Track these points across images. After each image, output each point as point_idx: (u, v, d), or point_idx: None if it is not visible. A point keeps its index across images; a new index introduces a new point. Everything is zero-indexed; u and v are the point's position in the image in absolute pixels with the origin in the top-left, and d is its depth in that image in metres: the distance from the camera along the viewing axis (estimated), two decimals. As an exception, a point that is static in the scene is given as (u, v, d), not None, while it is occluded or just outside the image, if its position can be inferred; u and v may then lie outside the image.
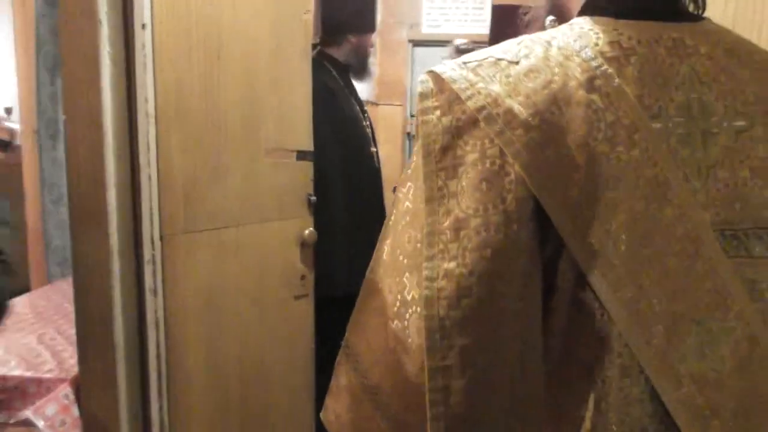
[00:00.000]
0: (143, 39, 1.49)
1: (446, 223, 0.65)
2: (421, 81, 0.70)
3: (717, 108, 0.68)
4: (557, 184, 0.63)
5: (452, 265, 0.63)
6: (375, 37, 2.54)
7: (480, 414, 0.65)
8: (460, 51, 3.74)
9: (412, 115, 6.91)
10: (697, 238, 0.64)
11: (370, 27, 2.45)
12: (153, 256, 1.54)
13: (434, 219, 0.66)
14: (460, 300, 0.63)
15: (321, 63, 2.32)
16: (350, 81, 2.45)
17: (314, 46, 2.52)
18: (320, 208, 1.97)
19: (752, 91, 0.70)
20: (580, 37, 0.70)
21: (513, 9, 2.34)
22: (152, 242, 1.53)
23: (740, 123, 0.68)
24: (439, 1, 6.80)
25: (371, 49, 2.48)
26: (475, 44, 4.21)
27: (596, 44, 0.68)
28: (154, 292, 1.55)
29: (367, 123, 2.51)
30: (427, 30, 6.80)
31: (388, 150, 5.43)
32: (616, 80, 0.65)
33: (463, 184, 0.65)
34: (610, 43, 0.68)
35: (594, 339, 0.66)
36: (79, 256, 1.60)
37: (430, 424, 0.64)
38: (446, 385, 0.63)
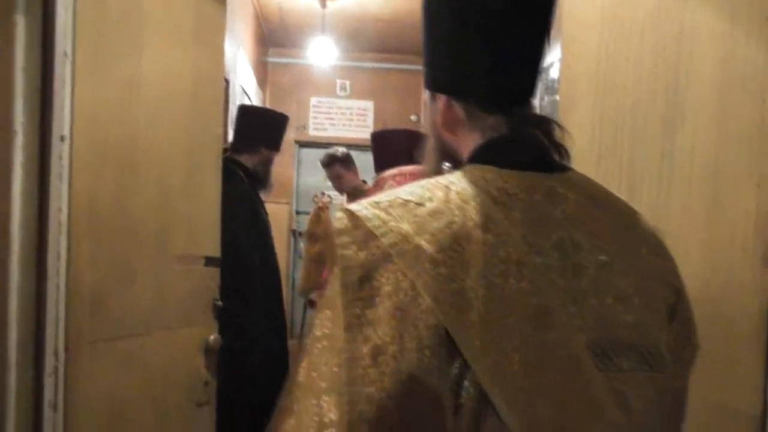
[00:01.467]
0: (60, 150, 1.52)
1: (365, 350, 0.71)
2: (338, 218, 0.78)
3: (584, 245, 0.80)
4: (461, 312, 0.71)
5: (372, 389, 0.69)
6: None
7: None
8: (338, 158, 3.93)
9: (297, 212, 7.05)
10: (575, 357, 0.74)
11: (278, 145, 2.65)
12: (56, 368, 1.49)
13: (354, 346, 0.71)
14: (380, 421, 0.69)
15: (233, 169, 2.44)
16: (257, 188, 2.58)
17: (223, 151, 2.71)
18: (241, 313, 2.01)
19: (610, 231, 0.83)
20: (473, 184, 0.80)
21: (390, 134, 2.60)
22: (56, 354, 1.49)
23: (603, 258, 0.80)
24: (325, 106, 7.17)
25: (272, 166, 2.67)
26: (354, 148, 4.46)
27: (487, 191, 0.79)
28: (54, 407, 1.48)
29: (270, 227, 2.61)
30: (313, 132, 7.10)
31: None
32: (505, 222, 0.77)
33: (380, 313, 0.71)
34: (498, 189, 0.80)
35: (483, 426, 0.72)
36: (-31, 371, 1.51)
37: None
38: None
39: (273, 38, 6.74)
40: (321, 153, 7.23)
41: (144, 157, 1.73)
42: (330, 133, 7.13)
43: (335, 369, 0.73)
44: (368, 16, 5.89)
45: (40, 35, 1.58)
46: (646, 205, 1.53)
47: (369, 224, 0.75)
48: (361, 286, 0.73)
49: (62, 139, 1.52)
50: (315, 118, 7.16)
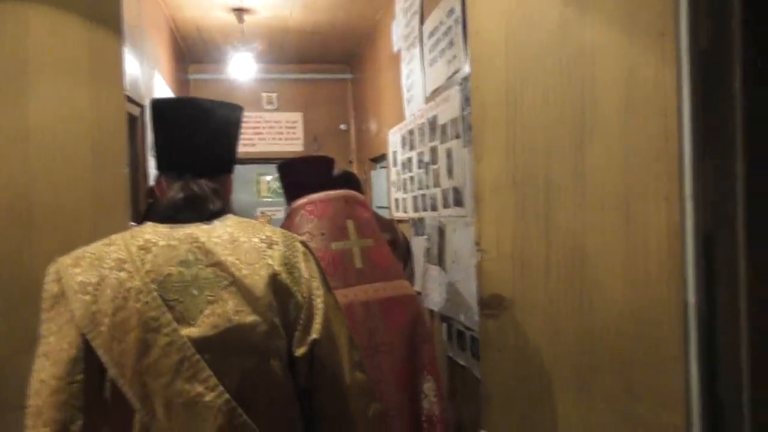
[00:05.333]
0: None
1: (42, 350, 1.12)
2: (49, 267, 1.17)
3: (207, 274, 1.15)
4: (96, 325, 1.09)
5: (44, 375, 1.10)
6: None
7: None
8: None
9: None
10: (181, 350, 1.09)
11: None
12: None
13: (40, 349, 1.12)
14: (46, 393, 1.08)
15: None
16: None
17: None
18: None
19: (227, 260, 1.17)
20: (133, 237, 1.18)
21: (297, 163, 2.53)
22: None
23: (224, 281, 1.16)
24: (253, 121, 7.03)
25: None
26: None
27: (138, 241, 1.17)
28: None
29: None
30: (242, 148, 6.93)
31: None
32: (138, 263, 1.13)
33: (53, 328, 1.12)
34: (145, 240, 1.17)
35: (121, 411, 1.09)
36: None
37: None
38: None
39: (193, 55, 6.56)
40: (251, 169, 7.09)
41: (43, 209, 1.61)
42: (259, 148, 6.99)
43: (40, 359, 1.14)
44: (289, 29, 5.80)
45: None
46: (564, 221, 1.53)
47: (61, 272, 1.14)
48: (50, 309, 1.13)
49: (-59, 199, 1.40)
50: (243, 133, 7.01)
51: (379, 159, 5.90)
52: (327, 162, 2.36)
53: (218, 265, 1.15)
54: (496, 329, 1.63)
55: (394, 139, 4.71)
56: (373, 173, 6.24)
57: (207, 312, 1.11)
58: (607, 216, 1.42)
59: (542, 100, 1.50)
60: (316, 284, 1.23)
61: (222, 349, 1.11)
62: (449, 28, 3.17)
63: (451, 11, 3.13)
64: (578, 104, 1.43)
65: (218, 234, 1.20)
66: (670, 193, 1.33)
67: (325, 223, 2.07)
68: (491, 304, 1.63)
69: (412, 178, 4.12)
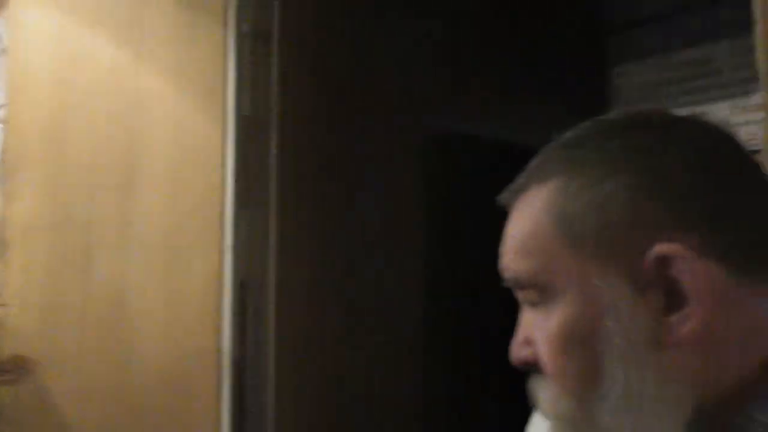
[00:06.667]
0: None
1: None
2: None
3: None
4: None
5: None
6: None
7: None
8: None
9: None
10: None
11: None
12: None
13: None
14: None
15: None
16: None
17: None
18: None
19: None
20: None
21: None
22: None
23: None
24: None
25: None
26: None
27: None
28: None
29: None
30: None
31: None
32: None
33: None
34: None
35: None
36: None
37: None
38: None
39: None
40: None
41: None
42: None
43: None
44: None
45: None
46: (104, 270, 1.46)
47: None
48: None
49: None
50: None
51: None
52: None
53: None
54: (14, 398, 1.41)
55: None
56: None
57: None
58: (151, 264, 1.40)
59: (90, 141, 1.44)
60: None
61: None
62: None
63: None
64: (127, 150, 1.41)
65: None
66: (213, 242, 1.40)
67: None
68: (9, 368, 1.42)
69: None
